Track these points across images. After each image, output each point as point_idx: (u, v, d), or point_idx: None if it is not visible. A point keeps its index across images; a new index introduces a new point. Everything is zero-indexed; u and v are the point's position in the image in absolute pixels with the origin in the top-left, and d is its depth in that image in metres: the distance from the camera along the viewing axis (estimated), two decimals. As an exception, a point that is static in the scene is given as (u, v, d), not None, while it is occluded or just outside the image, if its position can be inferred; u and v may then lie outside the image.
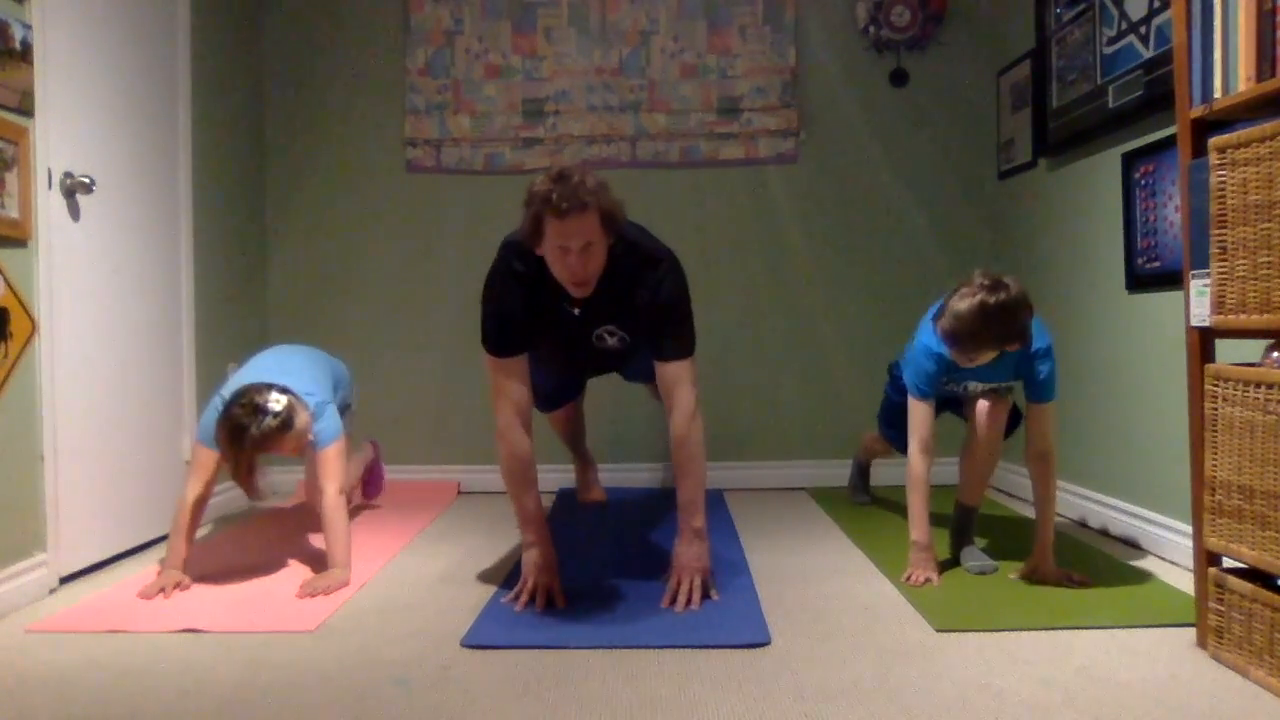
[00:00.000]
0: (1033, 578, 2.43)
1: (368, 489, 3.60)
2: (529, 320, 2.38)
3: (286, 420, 2.44)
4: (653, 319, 2.36)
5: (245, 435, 2.39)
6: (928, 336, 2.51)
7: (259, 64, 4.04)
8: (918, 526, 2.49)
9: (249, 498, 2.57)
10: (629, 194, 3.97)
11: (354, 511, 3.45)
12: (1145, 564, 2.64)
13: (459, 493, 3.94)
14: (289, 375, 2.65)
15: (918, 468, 2.49)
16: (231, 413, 2.43)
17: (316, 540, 3.07)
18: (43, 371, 2.51)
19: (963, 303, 2.29)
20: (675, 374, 2.37)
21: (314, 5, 4.06)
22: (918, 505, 2.49)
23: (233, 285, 3.75)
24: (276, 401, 2.45)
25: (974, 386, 2.58)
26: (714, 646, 2.01)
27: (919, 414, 2.52)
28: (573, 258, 2.18)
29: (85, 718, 1.71)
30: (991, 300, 2.26)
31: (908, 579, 2.45)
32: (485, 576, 2.62)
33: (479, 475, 3.93)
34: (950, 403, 2.74)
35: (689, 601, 2.26)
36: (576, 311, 2.37)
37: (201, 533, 3.04)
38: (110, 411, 2.87)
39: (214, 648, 2.06)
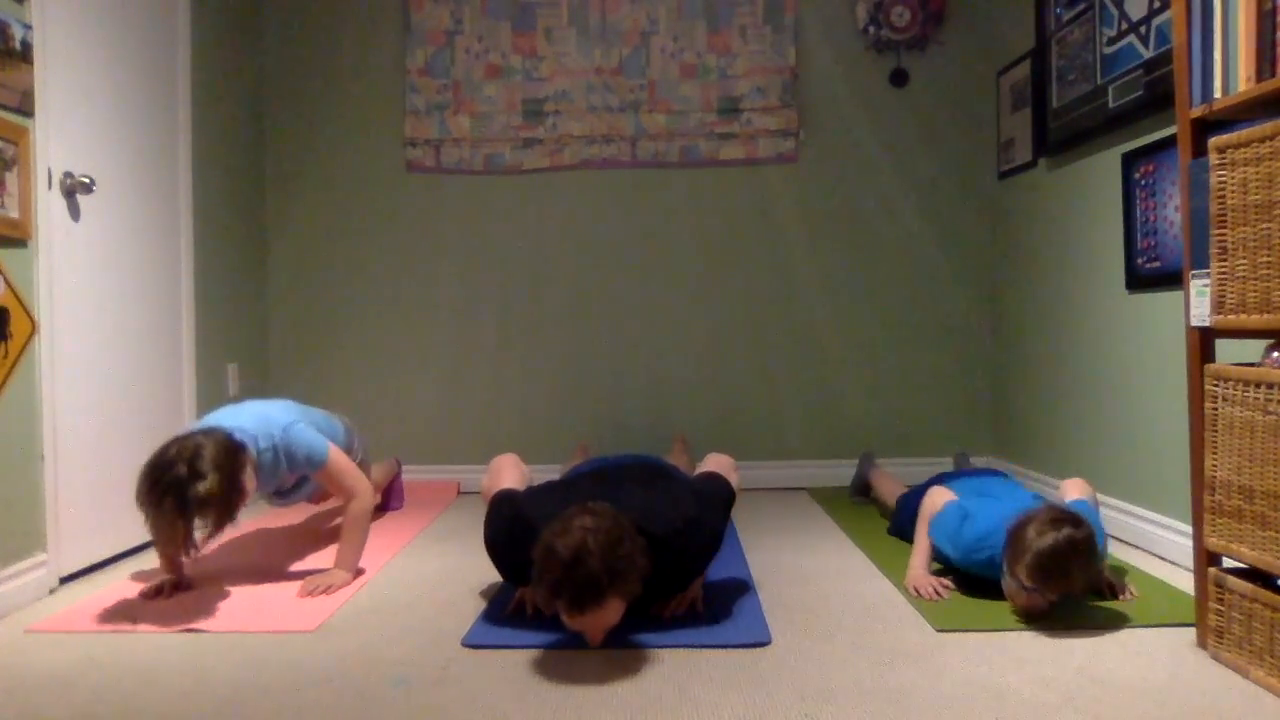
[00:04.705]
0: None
1: (390, 502, 3.61)
2: None
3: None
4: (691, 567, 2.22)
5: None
6: (983, 533, 2.31)
7: (259, 63, 4.04)
8: (918, 561, 2.45)
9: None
10: (629, 194, 4.04)
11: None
12: (1145, 564, 2.64)
13: (459, 493, 3.94)
14: (234, 420, 2.42)
15: (939, 503, 2.45)
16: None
17: (317, 542, 3.07)
18: (43, 371, 2.51)
19: (1046, 541, 2.06)
20: None
21: (314, 5, 4.06)
22: (926, 543, 2.45)
23: (233, 285, 3.75)
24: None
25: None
26: (714, 646, 2.01)
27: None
28: (592, 636, 2.00)
29: (85, 718, 1.71)
30: (1079, 535, 2.06)
31: (915, 591, 2.37)
32: (485, 576, 2.62)
33: (479, 475, 3.92)
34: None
35: (665, 608, 2.21)
36: None
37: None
38: (110, 411, 2.87)
39: (214, 648, 2.06)
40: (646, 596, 2.10)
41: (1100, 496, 3.08)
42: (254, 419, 2.46)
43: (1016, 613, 2.18)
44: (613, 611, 1.93)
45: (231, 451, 2.24)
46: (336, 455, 2.53)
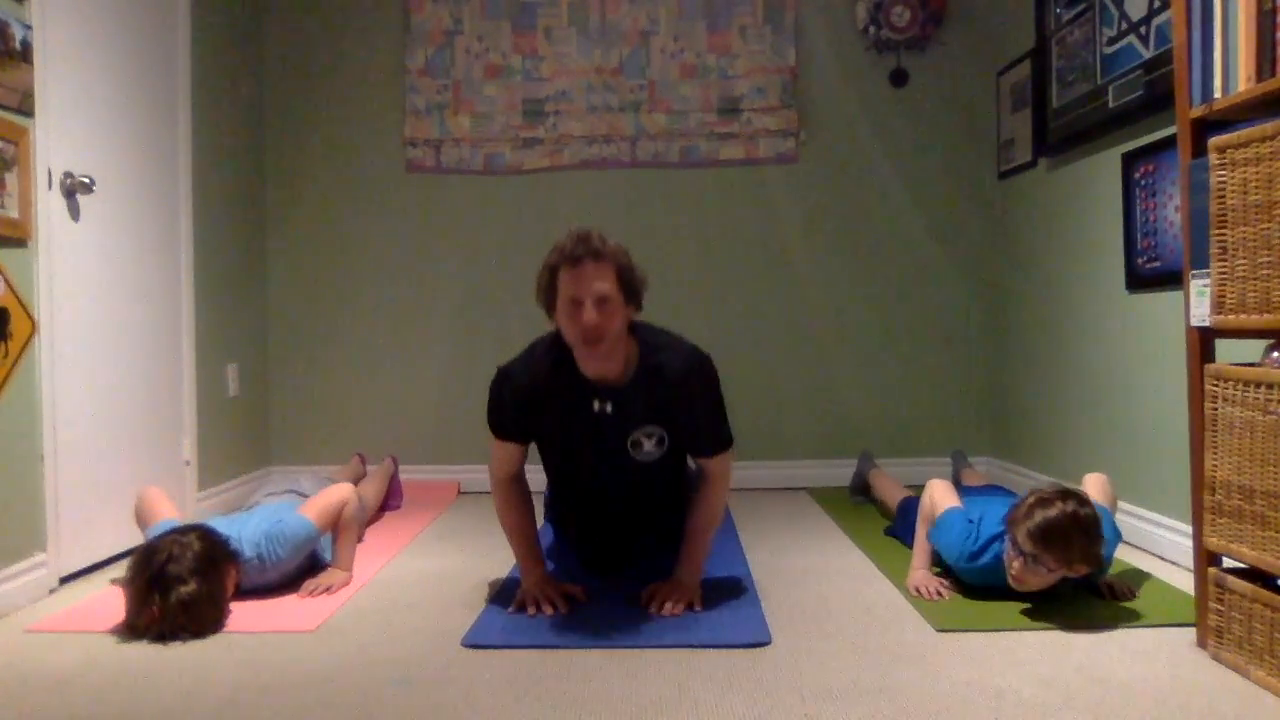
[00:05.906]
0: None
1: (389, 501, 3.60)
2: (546, 416, 2.30)
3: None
4: (691, 411, 2.29)
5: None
6: (988, 540, 2.31)
7: (259, 64, 4.04)
8: (919, 561, 2.45)
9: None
10: (629, 194, 4.04)
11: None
12: (1145, 564, 2.64)
13: (459, 493, 3.94)
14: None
15: (939, 506, 2.45)
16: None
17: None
18: (43, 371, 2.51)
19: (1051, 510, 2.09)
20: (716, 466, 2.36)
21: (314, 5, 4.06)
22: (926, 543, 2.46)
23: (233, 285, 3.75)
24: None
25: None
26: (714, 646, 2.01)
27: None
28: (584, 312, 2.06)
29: (85, 718, 1.71)
30: (1083, 512, 2.10)
31: (916, 591, 2.37)
32: (485, 576, 2.62)
33: (479, 475, 3.91)
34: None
35: (664, 607, 2.22)
36: (609, 409, 2.24)
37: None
38: (110, 411, 2.87)
39: (214, 648, 2.06)
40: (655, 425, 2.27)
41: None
42: (248, 535, 2.42)
43: (1010, 583, 2.17)
44: (607, 280, 2.08)
45: (216, 559, 2.22)
46: (314, 512, 2.51)
